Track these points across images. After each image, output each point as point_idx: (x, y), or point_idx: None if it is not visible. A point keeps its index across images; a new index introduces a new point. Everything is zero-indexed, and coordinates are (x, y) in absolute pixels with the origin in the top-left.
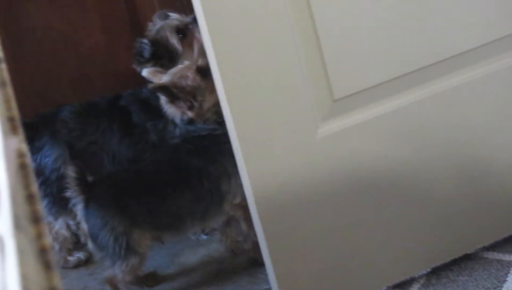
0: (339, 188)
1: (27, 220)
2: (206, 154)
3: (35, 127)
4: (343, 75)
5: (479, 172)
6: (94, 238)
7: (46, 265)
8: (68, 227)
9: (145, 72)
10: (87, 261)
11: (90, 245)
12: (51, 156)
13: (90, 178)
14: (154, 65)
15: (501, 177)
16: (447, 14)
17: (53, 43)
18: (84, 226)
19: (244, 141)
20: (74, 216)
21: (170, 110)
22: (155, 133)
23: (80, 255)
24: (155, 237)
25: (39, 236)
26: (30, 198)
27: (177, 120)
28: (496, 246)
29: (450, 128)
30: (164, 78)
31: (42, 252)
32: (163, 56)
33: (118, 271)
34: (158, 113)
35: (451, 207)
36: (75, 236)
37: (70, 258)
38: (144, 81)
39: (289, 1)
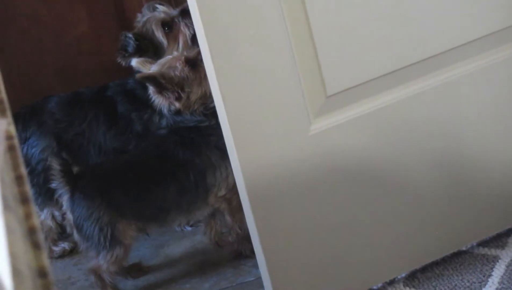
0: (330, 182)
1: (16, 201)
2: (192, 146)
3: (21, 118)
4: (336, 71)
5: (469, 169)
6: (79, 228)
7: (35, 245)
8: (53, 217)
9: (134, 62)
10: (72, 251)
11: (76, 235)
12: (37, 146)
13: (75, 169)
14: (139, 58)
15: (491, 174)
16: (439, 9)
17: (39, 33)
18: (70, 216)
19: (237, 135)
20: (59, 207)
21: (158, 100)
22: (140, 123)
23: (65, 245)
24: (140, 228)
25: (27, 216)
26: (18, 179)
27: (165, 110)
28: (482, 242)
29: (442, 124)
30: (153, 68)
31: (31, 232)
32: (148, 50)
33: (102, 261)
34: (143, 104)
35: (440, 204)
36: (60, 226)
37: (55, 248)
38: (130, 72)
39: None
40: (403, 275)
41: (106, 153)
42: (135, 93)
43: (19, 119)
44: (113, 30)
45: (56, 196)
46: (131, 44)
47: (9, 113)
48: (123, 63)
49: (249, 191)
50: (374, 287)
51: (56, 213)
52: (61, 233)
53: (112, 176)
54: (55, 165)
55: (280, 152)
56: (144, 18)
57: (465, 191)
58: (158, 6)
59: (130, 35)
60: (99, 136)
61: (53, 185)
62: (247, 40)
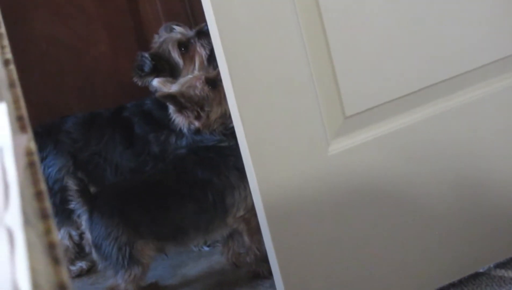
0: (348, 203)
1: (36, 216)
2: (211, 166)
3: (38, 137)
4: (355, 92)
5: (488, 191)
6: (97, 247)
7: (55, 260)
8: (70, 237)
9: (155, 82)
10: (89, 271)
11: (94, 254)
12: (54, 166)
13: (92, 189)
14: (155, 78)
15: (508, 197)
16: (461, 29)
17: (58, 53)
18: (88, 235)
19: (255, 155)
20: (76, 226)
21: (178, 119)
22: (157, 144)
23: (82, 264)
24: (158, 248)
25: (47, 231)
26: (38, 195)
27: (184, 129)
28: (499, 263)
29: (461, 145)
30: (173, 88)
31: (51, 247)
32: (164, 70)
33: (120, 280)
34: (160, 125)
35: (459, 225)
36: (77, 246)
37: (73, 268)
38: (148, 92)
39: (301, 16)
40: None
41: (123, 173)
42: (152, 114)
43: (36, 138)
44: (131, 51)
45: (74, 216)
46: (147, 63)
47: (29, 129)
48: (139, 83)
49: (267, 211)
50: None
51: (73, 233)
52: (79, 252)
53: (131, 196)
54: (72, 185)
55: (298, 172)
56: (161, 39)
57: (483, 212)
58: (175, 27)
59: (147, 55)
60: (116, 156)
61: (71, 205)
62: (265, 61)
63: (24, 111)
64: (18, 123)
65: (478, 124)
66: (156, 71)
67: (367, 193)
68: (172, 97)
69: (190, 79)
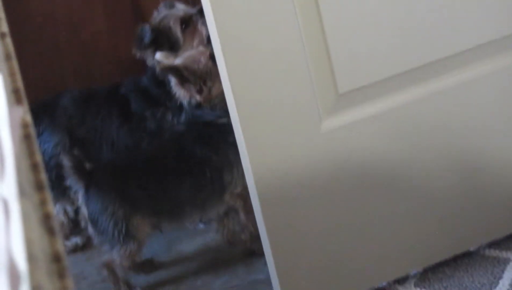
0: (341, 182)
1: (31, 188)
2: (210, 142)
3: (34, 113)
4: (348, 69)
5: (480, 170)
6: (93, 222)
7: (50, 231)
8: (65, 212)
9: (158, 55)
10: (84, 246)
11: (90, 229)
12: (50, 142)
13: (88, 165)
14: (154, 52)
15: (501, 176)
16: (454, 10)
17: (54, 30)
18: (84, 211)
19: (248, 132)
20: (72, 202)
21: (179, 92)
22: (154, 121)
23: (77, 240)
24: (154, 224)
25: (43, 203)
26: (34, 166)
27: (185, 103)
28: (493, 243)
29: (457, 124)
30: (177, 61)
31: (46, 218)
32: (164, 44)
33: (116, 256)
34: (157, 102)
35: (451, 205)
36: (72, 222)
37: (67, 243)
38: (145, 69)
39: None
40: (414, 272)
41: (119, 150)
42: (149, 90)
43: (32, 114)
44: (129, 28)
45: (69, 192)
46: (148, 35)
47: (25, 101)
48: (138, 55)
49: (259, 189)
50: (386, 286)
51: (69, 208)
52: (74, 228)
53: (128, 171)
54: (67, 162)
55: (290, 150)
56: (161, 15)
57: (478, 191)
58: (176, 3)
59: (147, 27)
60: (112, 133)
61: (67, 182)
62: (258, 38)
63: (20, 84)
64: (14, 96)
65: (472, 104)
66: (156, 45)
67: (360, 171)
68: (176, 69)
69: (194, 53)
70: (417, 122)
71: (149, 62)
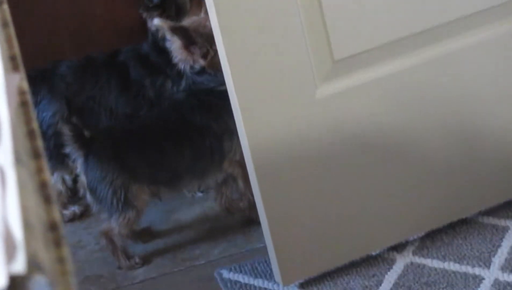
0: (337, 148)
1: (28, 155)
2: (210, 110)
3: (32, 82)
4: (344, 36)
5: (477, 137)
6: (92, 190)
7: (46, 199)
8: (63, 181)
9: (157, 20)
10: (82, 215)
11: (88, 197)
12: (48, 110)
13: (87, 133)
14: (160, 15)
15: (498, 143)
16: None
17: None
18: (83, 178)
19: (243, 98)
20: (70, 171)
21: (182, 56)
22: (153, 89)
23: (75, 208)
24: (153, 192)
25: (39, 170)
26: (30, 134)
27: (187, 68)
28: (491, 211)
29: (450, 92)
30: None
31: (42, 186)
32: (170, 8)
33: (114, 224)
34: (157, 70)
35: (448, 171)
36: (70, 190)
37: (65, 212)
38: (144, 36)
39: None
40: (413, 238)
41: (117, 118)
42: (149, 58)
43: (29, 82)
44: None
45: (67, 160)
46: None
47: (22, 68)
48: (145, 15)
49: (254, 157)
50: (384, 253)
51: (67, 177)
52: (72, 197)
53: (127, 139)
54: (67, 130)
55: (285, 117)
56: None
57: (473, 158)
58: None
59: None
60: (111, 101)
61: (66, 150)
62: (254, 4)
63: (17, 51)
64: (11, 63)
65: (466, 72)
66: (163, 8)
67: (355, 138)
68: (184, 30)
69: (199, 19)
70: (412, 89)
71: (152, 26)
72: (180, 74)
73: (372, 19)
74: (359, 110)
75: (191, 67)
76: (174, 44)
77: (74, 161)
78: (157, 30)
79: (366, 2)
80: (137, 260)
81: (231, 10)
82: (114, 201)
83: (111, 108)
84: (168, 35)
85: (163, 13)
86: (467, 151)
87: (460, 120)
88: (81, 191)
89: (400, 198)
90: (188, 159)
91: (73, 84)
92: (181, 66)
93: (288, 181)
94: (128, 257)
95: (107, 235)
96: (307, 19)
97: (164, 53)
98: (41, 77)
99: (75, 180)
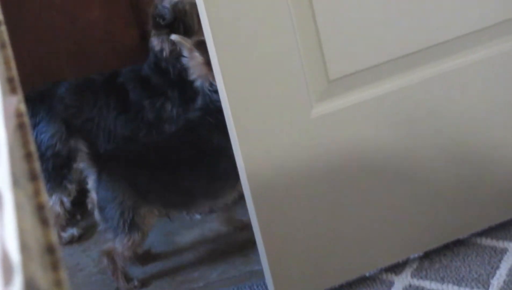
0: (332, 168)
1: (25, 178)
2: (226, 130)
3: (31, 103)
4: (339, 56)
5: (474, 157)
6: (101, 209)
7: (43, 221)
8: (62, 203)
9: (175, 37)
10: (81, 238)
11: (96, 215)
12: (47, 132)
13: (102, 151)
14: (169, 34)
15: (497, 163)
16: None
17: (51, 18)
18: (93, 195)
19: (238, 119)
20: (68, 193)
21: (202, 71)
22: (152, 111)
23: (73, 231)
24: (163, 214)
25: (36, 193)
26: (28, 156)
27: (206, 84)
28: (489, 233)
29: (445, 111)
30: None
31: (40, 208)
32: (179, 28)
33: (119, 244)
34: (156, 91)
35: (445, 191)
36: (69, 213)
37: (64, 234)
38: (144, 57)
39: None
40: (413, 257)
41: (115, 140)
42: (149, 79)
43: (28, 104)
44: (125, 15)
45: (67, 182)
46: (168, 12)
47: (19, 91)
48: (153, 33)
49: (249, 177)
50: (379, 275)
51: (65, 199)
52: (70, 219)
53: (142, 160)
54: (83, 147)
55: (281, 137)
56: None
57: (470, 178)
58: None
59: (167, 6)
60: (109, 123)
61: (80, 165)
62: (249, 23)
63: (14, 73)
64: (9, 85)
65: (464, 90)
66: (172, 26)
67: (351, 157)
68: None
69: None
70: (407, 108)
71: (155, 46)
72: (181, 96)
73: (368, 39)
74: (354, 130)
75: (211, 84)
76: (193, 60)
77: (86, 177)
78: (161, 50)
79: (361, 22)
80: (136, 283)
81: (227, 30)
82: (121, 222)
83: (109, 129)
84: (186, 52)
85: (171, 32)
86: (465, 171)
87: (457, 140)
88: (89, 206)
89: (397, 218)
90: (204, 181)
91: (72, 106)
92: (198, 83)
93: (284, 201)
94: (128, 279)
95: (109, 255)
96: (302, 38)
97: (165, 74)
98: (40, 98)
99: (73, 202)
